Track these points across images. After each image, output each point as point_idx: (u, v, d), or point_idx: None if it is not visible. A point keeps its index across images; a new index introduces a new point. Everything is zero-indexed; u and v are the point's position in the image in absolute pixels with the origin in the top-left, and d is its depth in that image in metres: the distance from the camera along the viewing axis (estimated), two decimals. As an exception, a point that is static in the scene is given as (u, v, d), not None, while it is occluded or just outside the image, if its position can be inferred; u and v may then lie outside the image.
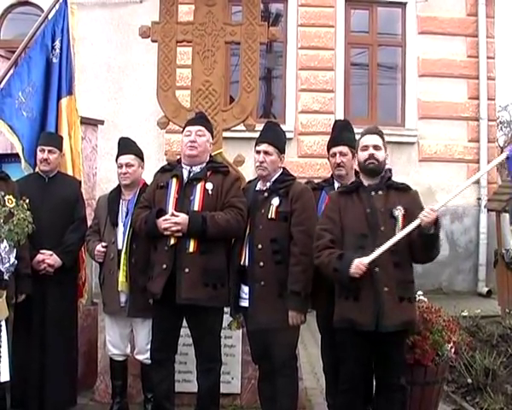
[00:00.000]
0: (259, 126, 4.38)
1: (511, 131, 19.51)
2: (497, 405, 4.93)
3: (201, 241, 3.97)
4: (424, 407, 4.39)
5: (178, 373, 4.56)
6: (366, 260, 3.59)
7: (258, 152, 4.06)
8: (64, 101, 5.17)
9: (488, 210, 9.46)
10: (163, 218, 3.97)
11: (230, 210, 4.02)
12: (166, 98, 5.30)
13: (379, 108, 10.49)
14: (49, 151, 4.70)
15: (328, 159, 4.42)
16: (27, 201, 3.93)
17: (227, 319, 4.21)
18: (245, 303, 4.00)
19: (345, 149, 4.27)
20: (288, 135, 8.79)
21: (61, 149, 4.85)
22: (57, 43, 5.22)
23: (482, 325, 6.86)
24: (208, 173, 4.15)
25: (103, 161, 6.61)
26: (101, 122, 6.01)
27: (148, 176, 4.57)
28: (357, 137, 4.00)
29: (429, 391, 4.38)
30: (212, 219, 3.96)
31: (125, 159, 4.56)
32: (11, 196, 3.90)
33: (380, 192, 3.78)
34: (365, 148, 3.83)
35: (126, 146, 4.64)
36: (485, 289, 9.99)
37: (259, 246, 3.92)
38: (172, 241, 3.99)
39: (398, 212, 3.71)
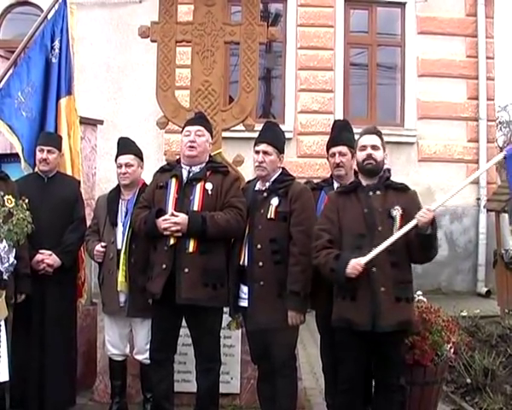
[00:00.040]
0: (259, 126, 4.38)
1: (510, 132, 19.51)
2: (497, 405, 4.94)
3: (201, 241, 3.97)
4: (423, 407, 4.39)
5: (178, 373, 4.56)
6: (363, 260, 3.59)
7: (257, 152, 4.06)
8: (63, 101, 5.17)
9: (487, 210, 9.46)
10: (162, 218, 3.97)
11: (230, 210, 4.02)
12: (166, 98, 5.30)
13: (378, 108, 10.50)
14: (49, 151, 4.70)
15: (328, 159, 4.42)
16: (27, 201, 3.93)
17: (226, 319, 4.21)
18: (244, 303, 4.00)
19: (344, 149, 4.27)
20: (288, 135, 8.82)
21: (60, 149, 4.85)
22: (56, 43, 5.22)
23: (481, 325, 6.86)
24: (208, 173, 4.15)
25: (103, 160, 6.60)
26: (101, 122, 6.00)
27: (147, 176, 4.57)
28: (357, 137, 4.01)
29: (428, 391, 4.39)
30: (211, 219, 3.96)
31: (124, 159, 4.56)
32: (10, 196, 3.90)
33: (378, 192, 3.79)
34: (363, 148, 3.83)
35: (126, 146, 4.64)
36: (485, 290, 9.99)
37: (259, 246, 3.92)
38: (172, 241, 3.98)
39: (396, 212, 3.71)
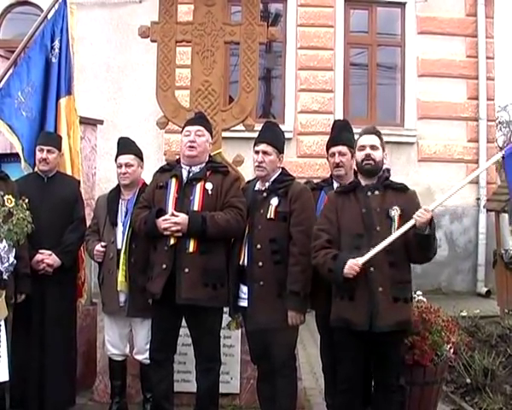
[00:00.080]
0: (259, 126, 4.38)
1: (510, 132, 19.51)
2: (496, 405, 4.94)
3: (201, 241, 3.97)
4: (423, 407, 4.39)
5: (177, 373, 4.56)
6: (361, 260, 3.59)
7: (256, 152, 4.06)
8: (63, 101, 5.16)
9: (487, 210, 9.47)
10: (163, 218, 3.97)
11: (230, 210, 4.02)
12: (166, 98, 5.30)
13: (378, 108, 10.50)
14: (48, 151, 4.70)
15: (328, 159, 4.42)
16: (26, 200, 3.93)
17: (226, 319, 4.21)
18: (244, 303, 4.00)
19: (344, 148, 4.26)
20: (288, 135, 8.83)
21: (59, 149, 4.85)
22: (56, 43, 5.22)
23: (481, 325, 6.87)
24: (208, 173, 4.15)
25: (102, 160, 6.60)
26: (101, 122, 6.00)
27: (147, 176, 4.57)
28: (357, 137, 4.00)
29: (428, 391, 4.39)
30: (211, 219, 3.96)
31: (124, 159, 4.56)
32: (10, 196, 3.90)
33: (376, 192, 3.79)
34: (362, 148, 3.83)
35: (126, 146, 4.64)
36: (485, 290, 9.99)
37: (258, 246, 3.92)
38: (172, 241, 3.98)
39: (395, 212, 3.71)
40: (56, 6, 5.30)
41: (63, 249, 4.60)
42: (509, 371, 5.61)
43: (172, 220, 3.94)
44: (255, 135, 4.20)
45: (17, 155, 5.11)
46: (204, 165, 4.18)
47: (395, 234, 3.63)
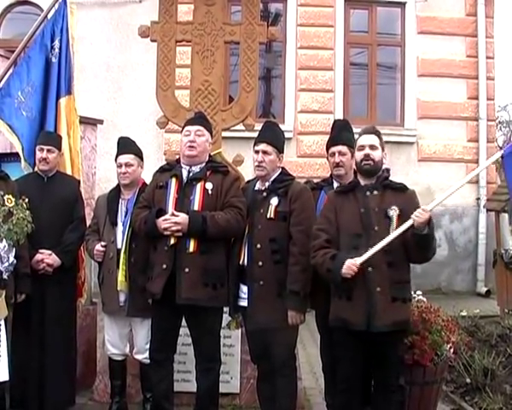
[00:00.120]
0: (259, 126, 4.38)
1: (510, 131, 19.50)
2: (496, 405, 4.94)
3: (201, 241, 3.97)
4: (423, 407, 4.39)
5: (177, 373, 4.56)
6: (358, 260, 3.60)
7: (256, 152, 4.06)
8: (63, 100, 5.16)
9: (487, 210, 9.47)
10: (163, 218, 3.97)
11: (230, 210, 4.02)
12: (166, 98, 5.30)
13: (378, 108, 10.50)
14: (48, 150, 4.70)
15: (328, 158, 4.42)
16: (26, 200, 3.93)
17: (226, 318, 4.21)
18: (244, 303, 4.00)
19: (344, 148, 4.26)
20: (288, 135, 8.83)
21: (59, 149, 4.85)
22: (56, 43, 5.22)
23: (481, 324, 6.87)
24: (208, 173, 4.15)
25: (102, 160, 6.60)
26: (101, 122, 6.00)
27: (147, 175, 4.57)
28: (356, 136, 4.00)
29: (428, 391, 4.38)
30: (212, 218, 3.96)
31: (124, 158, 4.56)
32: (10, 196, 3.90)
33: (375, 192, 3.78)
34: (361, 148, 3.83)
35: (126, 146, 4.64)
36: (484, 289, 10.00)
37: (258, 246, 3.92)
38: (172, 241, 3.98)
39: (393, 212, 3.70)
40: (56, 6, 5.30)
41: (63, 249, 4.60)
42: (508, 370, 5.61)
43: (173, 220, 3.94)
44: (255, 135, 4.20)
45: (17, 154, 5.11)
46: (204, 165, 4.18)
47: (393, 234, 3.63)
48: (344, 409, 3.86)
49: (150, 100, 6.75)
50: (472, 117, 10.39)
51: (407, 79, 10.44)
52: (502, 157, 4.01)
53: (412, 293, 4.23)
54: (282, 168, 4.15)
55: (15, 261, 3.93)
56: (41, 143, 4.74)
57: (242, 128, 5.38)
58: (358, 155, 3.84)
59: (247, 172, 4.93)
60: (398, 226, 3.65)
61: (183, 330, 4.28)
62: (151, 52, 5.71)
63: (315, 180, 4.58)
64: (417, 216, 3.58)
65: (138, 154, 4.64)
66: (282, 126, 4.44)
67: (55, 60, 5.20)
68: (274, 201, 3.97)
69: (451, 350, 4.46)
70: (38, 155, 4.71)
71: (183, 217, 3.94)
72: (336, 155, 4.28)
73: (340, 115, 9.75)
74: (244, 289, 4.00)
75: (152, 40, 5.30)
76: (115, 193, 4.64)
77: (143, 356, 4.47)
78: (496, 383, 5.33)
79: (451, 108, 10.33)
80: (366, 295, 3.63)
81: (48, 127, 5.09)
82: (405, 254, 3.71)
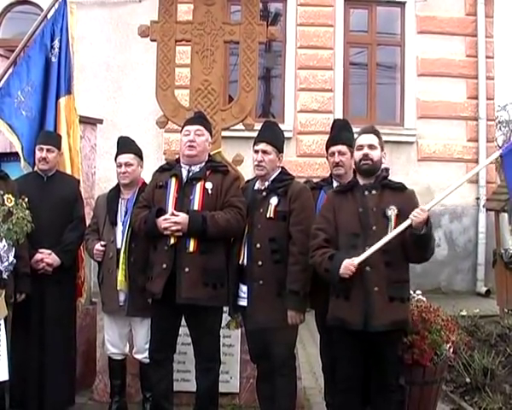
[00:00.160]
0: (258, 126, 4.38)
1: (510, 131, 19.50)
2: (496, 404, 4.94)
3: (201, 240, 3.97)
4: (423, 407, 4.39)
5: (177, 372, 4.56)
6: (356, 260, 3.60)
7: (256, 151, 4.06)
8: (63, 100, 5.16)
9: (487, 210, 9.46)
10: (163, 217, 3.97)
11: (230, 209, 4.02)
12: (165, 97, 5.30)
13: (378, 108, 10.49)
14: (48, 150, 4.70)
15: (327, 158, 4.42)
16: (26, 200, 3.93)
17: (226, 318, 4.21)
18: (243, 302, 4.00)
19: (343, 148, 4.26)
20: (287, 134, 8.83)
21: (59, 148, 4.85)
22: (56, 43, 5.22)
23: (481, 324, 6.86)
24: (207, 173, 4.15)
25: (102, 160, 6.61)
26: (100, 121, 6.00)
27: (147, 175, 4.57)
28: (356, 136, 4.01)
29: (428, 391, 4.38)
30: (212, 218, 3.96)
31: (124, 158, 4.56)
32: (10, 195, 3.90)
33: (373, 192, 3.78)
34: (360, 147, 3.83)
35: (125, 145, 4.64)
36: (484, 289, 9.99)
37: (258, 245, 3.92)
38: (172, 240, 3.98)
39: (391, 211, 3.70)
40: (56, 5, 5.30)
41: (63, 249, 4.60)
42: (508, 370, 5.61)
43: (173, 220, 3.94)
44: (255, 134, 4.21)
45: (17, 154, 5.11)
46: (204, 164, 4.18)
47: (391, 234, 3.63)
48: (343, 409, 3.87)
49: (150, 99, 6.76)
50: (472, 117, 10.39)
51: (407, 78, 10.44)
52: (501, 156, 4.00)
53: (412, 292, 4.23)
54: (282, 168, 4.15)
55: (15, 261, 3.93)
56: (41, 143, 4.74)
57: (242, 128, 5.38)
58: (357, 154, 3.84)
59: (247, 171, 4.93)
60: (396, 226, 3.65)
61: (183, 330, 4.28)
62: (151, 52, 5.71)
63: (314, 180, 4.59)
64: (415, 216, 3.57)
65: (138, 153, 4.64)
66: (281, 126, 4.44)
67: (54, 59, 5.20)
68: (273, 200, 3.97)
69: (451, 350, 4.46)
70: (38, 154, 4.71)
71: (183, 217, 3.94)
72: (336, 154, 4.28)
73: (339, 115, 9.74)
74: (244, 288, 4.00)
75: (152, 40, 5.30)
76: (115, 193, 4.64)
77: (143, 356, 4.47)
78: (495, 383, 5.33)
79: (451, 108, 10.33)
80: (364, 294, 3.63)
81: (47, 127, 5.09)
82: (404, 253, 3.71)
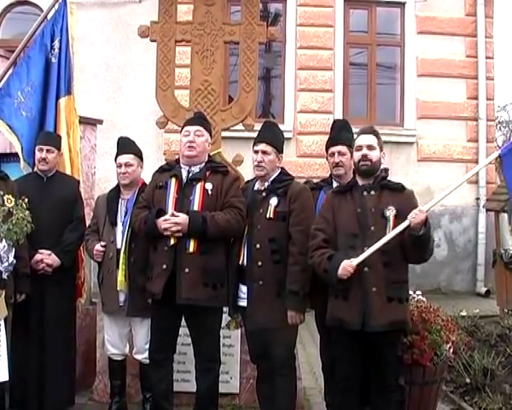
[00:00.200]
0: (258, 126, 4.38)
1: (510, 131, 19.50)
2: (496, 404, 4.94)
3: (201, 241, 3.97)
4: (423, 407, 4.39)
5: (177, 373, 4.56)
6: (355, 261, 3.60)
7: (256, 152, 4.07)
8: (63, 100, 5.16)
9: (487, 210, 9.46)
10: (163, 218, 3.97)
11: (230, 210, 4.02)
12: (165, 98, 5.30)
13: (378, 108, 10.50)
14: (48, 151, 4.70)
15: (327, 158, 4.42)
16: (26, 200, 3.93)
17: (225, 318, 4.21)
18: (243, 303, 4.00)
19: (343, 148, 4.26)
20: (287, 135, 8.83)
21: (59, 149, 4.85)
22: (56, 43, 5.22)
23: (481, 324, 6.86)
24: (207, 173, 4.15)
25: (102, 160, 6.61)
26: (100, 122, 6.00)
27: (147, 175, 4.57)
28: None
29: (428, 391, 4.38)
30: (212, 219, 3.96)
31: (124, 158, 4.56)
32: (10, 196, 3.91)
33: (372, 192, 3.78)
34: (359, 148, 3.83)
35: (125, 145, 4.64)
36: (484, 289, 9.99)
37: (258, 246, 3.92)
38: (172, 241, 3.98)
39: (390, 212, 3.70)
40: (56, 6, 5.30)
41: (63, 249, 4.60)
42: (508, 370, 5.61)
43: (173, 220, 3.94)
44: (255, 135, 4.21)
45: (16, 154, 5.11)
46: (203, 165, 4.18)
47: (390, 234, 3.63)
48: (343, 409, 3.87)
49: (150, 100, 6.75)
50: (471, 117, 10.39)
51: (407, 79, 10.44)
52: (500, 157, 4.00)
53: (412, 293, 4.24)
54: (282, 168, 4.15)
55: (15, 261, 3.93)
56: (40, 143, 4.74)
57: (242, 128, 5.38)
58: (356, 155, 3.84)
59: (247, 172, 4.94)
60: (394, 227, 3.65)
61: (183, 330, 4.29)
62: (150, 52, 5.72)
63: (314, 180, 4.58)
64: (413, 217, 3.57)
65: (138, 154, 4.64)
66: (281, 126, 4.44)
67: (54, 60, 5.20)
68: (273, 201, 3.97)
69: (451, 350, 4.46)
70: (38, 155, 4.71)
71: (183, 217, 3.94)
72: (336, 155, 4.28)
73: (339, 115, 9.75)
74: (243, 289, 4.00)
75: (151, 40, 5.30)
76: (115, 193, 4.64)
77: (143, 356, 4.47)
78: (495, 383, 5.33)
79: (451, 108, 10.33)
80: (362, 295, 3.64)
81: (47, 127, 5.09)
82: (402, 254, 3.71)
